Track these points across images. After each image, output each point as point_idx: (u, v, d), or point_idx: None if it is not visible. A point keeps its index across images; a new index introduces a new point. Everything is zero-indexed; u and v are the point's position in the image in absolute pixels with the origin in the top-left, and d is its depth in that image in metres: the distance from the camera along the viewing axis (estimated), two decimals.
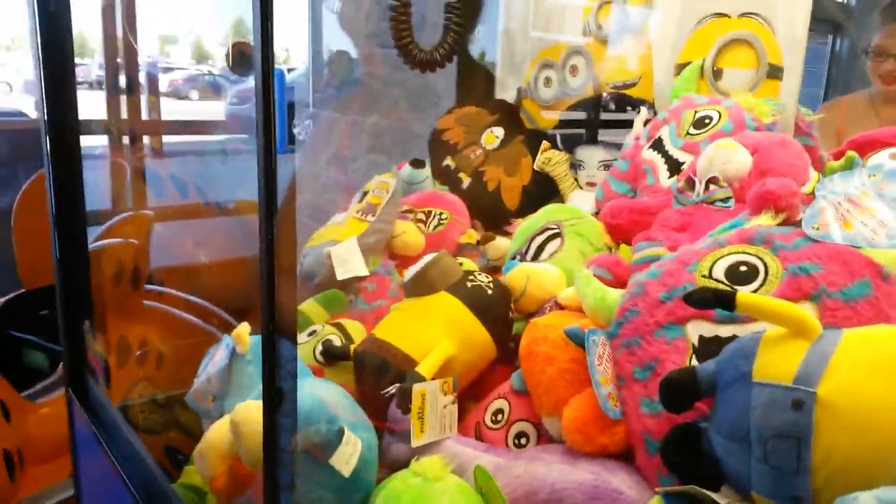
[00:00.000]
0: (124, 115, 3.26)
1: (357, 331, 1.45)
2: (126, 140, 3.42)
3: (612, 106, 1.81)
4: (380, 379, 1.18)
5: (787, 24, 1.55)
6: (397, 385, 1.14)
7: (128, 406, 1.92)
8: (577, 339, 1.05)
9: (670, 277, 1.02)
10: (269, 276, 0.74)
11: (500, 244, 1.78)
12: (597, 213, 1.48)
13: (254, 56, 0.70)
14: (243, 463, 0.95)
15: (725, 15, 1.64)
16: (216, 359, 1.14)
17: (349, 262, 1.64)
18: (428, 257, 1.29)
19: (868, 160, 1.31)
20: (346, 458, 0.96)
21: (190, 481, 1.34)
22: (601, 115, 1.85)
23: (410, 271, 1.30)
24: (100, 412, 1.60)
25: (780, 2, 1.55)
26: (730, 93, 1.62)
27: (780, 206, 1.12)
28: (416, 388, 1.06)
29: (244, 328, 1.15)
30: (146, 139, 3.47)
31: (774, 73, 1.57)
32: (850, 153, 1.42)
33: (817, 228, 0.98)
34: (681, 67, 1.73)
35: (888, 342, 0.74)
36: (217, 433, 1.04)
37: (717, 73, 1.66)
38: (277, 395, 0.77)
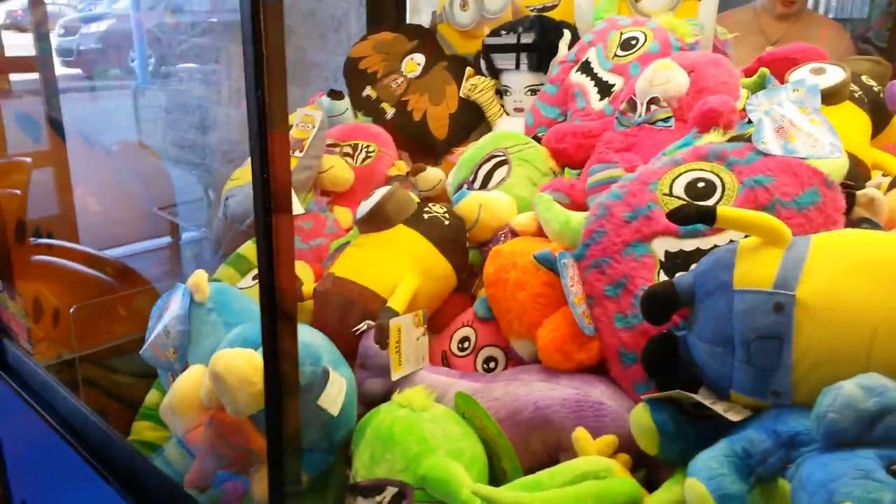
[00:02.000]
0: None
1: (303, 271, 1.41)
2: None
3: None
4: (346, 317, 1.16)
5: None
6: (369, 322, 1.13)
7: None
8: (548, 264, 1.07)
9: (633, 197, 1.06)
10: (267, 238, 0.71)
11: (432, 175, 1.76)
12: (535, 139, 1.50)
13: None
14: (227, 413, 0.92)
15: None
16: (172, 309, 1.08)
17: None
18: (381, 191, 1.27)
19: (790, 75, 1.38)
20: (334, 397, 0.95)
21: (142, 437, 1.29)
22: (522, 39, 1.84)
23: (363, 206, 1.27)
24: (24, 376, 1.49)
25: None
26: (651, 13, 1.66)
27: (722, 122, 1.18)
28: (393, 322, 1.06)
29: (201, 276, 1.09)
30: None
31: None
32: (763, 70, 1.50)
33: (766, 143, 1.04)
34: None
35: (855, 246, 0.81)
36: (189, 386, 1.00)
37: None
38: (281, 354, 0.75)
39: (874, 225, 1.07)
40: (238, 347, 0.95)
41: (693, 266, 0.98)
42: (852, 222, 1.07)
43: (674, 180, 1.05)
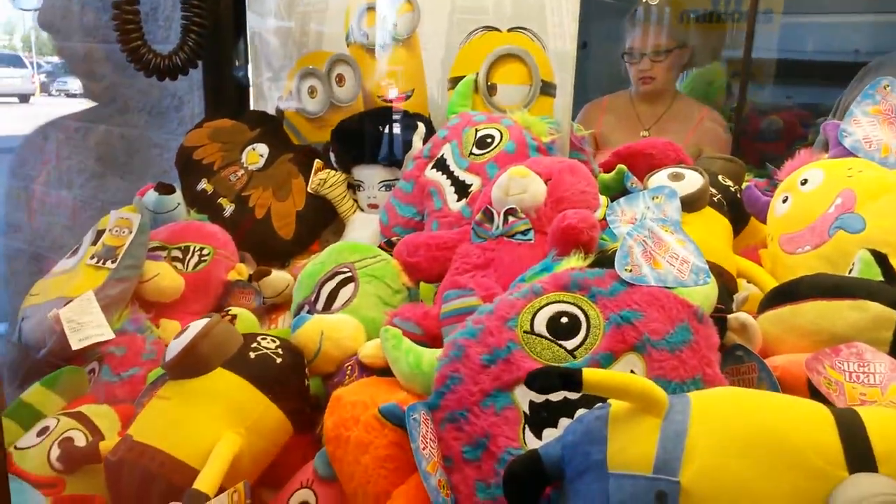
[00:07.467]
0: None
1: (107, 419, 1.15)
2: None
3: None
4: (145, 497, 0.92)
5: (556, 40, 1.53)
6: None
7: None
8: (395, 420, 0.90)
9: (491, 336, 0.91)
10: None
11: (277, 279, 1.56)
12: (388, 244, 1.34)
13: None
14: None
15: (495, 29, 1.59)
16: None
17: (86, 326, 1.32)
18: (195, 326, 1.05)
19: (648, 181, 1.32)
20: None
21: None
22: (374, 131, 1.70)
23: (173, 347, 1.04)
24: None
25: (549, 17, 1.53)
26: (505, 109, 1.58)
27: (581, 239, 1.07)
28: None
29: None
30: None
31: (547, 89, 1.55)
32: (620, 167, 1.45)
33: (630, 270, 0.94)
34: (454, 81, 1.64)
35: (735, 416, 0.69)
36: None
37: (492, 89, 1.61)
38: None
39: (748, 352, 0.99)
40: None
41: (562, 422, 0.84)
42: (726, 349, 0.98)
43: (534, 315, 0.92)
